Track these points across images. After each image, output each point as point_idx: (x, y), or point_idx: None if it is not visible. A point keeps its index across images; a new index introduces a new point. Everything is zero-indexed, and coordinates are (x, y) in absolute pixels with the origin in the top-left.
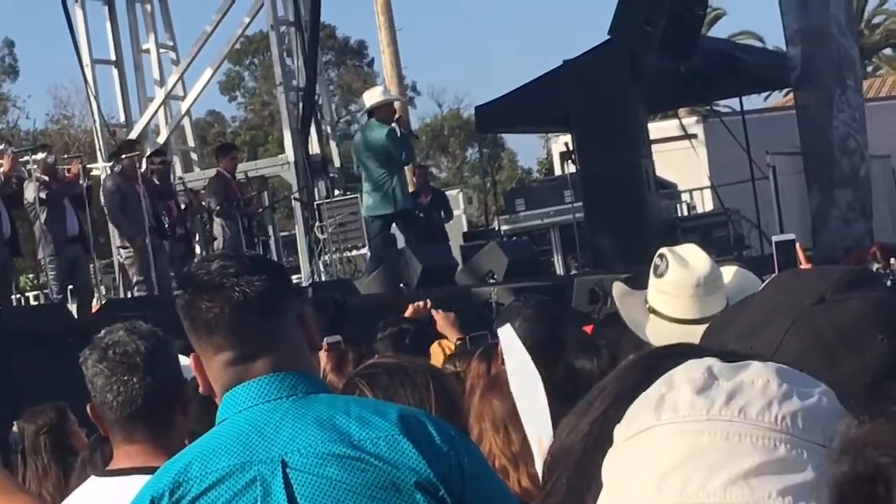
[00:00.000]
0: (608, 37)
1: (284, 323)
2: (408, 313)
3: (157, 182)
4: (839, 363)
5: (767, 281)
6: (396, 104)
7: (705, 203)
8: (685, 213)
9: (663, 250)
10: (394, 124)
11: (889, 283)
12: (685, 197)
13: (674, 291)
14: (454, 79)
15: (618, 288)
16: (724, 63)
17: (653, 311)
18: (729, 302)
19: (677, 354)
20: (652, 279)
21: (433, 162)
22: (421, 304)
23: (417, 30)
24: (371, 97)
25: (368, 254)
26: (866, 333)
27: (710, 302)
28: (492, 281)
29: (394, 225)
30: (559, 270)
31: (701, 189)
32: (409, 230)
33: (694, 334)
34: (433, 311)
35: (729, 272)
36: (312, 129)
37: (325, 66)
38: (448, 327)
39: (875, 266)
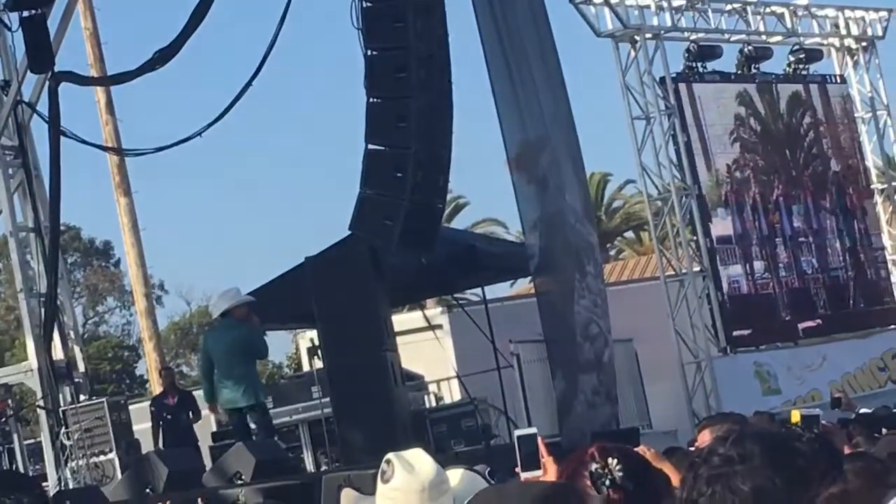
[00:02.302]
0: (349, 232)
1: None
2: None
3: None
4: None
5: (471, 498)
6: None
7: (453, 393)
8: (433, 403)
9: (390, 455)
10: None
11: (607, 483)
12: (432, 388)
13: (400, 497)
14: (202, 276)
15: (347, 496)
16: (465, 254)
17: None
18: None
19: None
20: (379, 485)
21: (183, 360)
22: None
23: (162, 229)
24: (226, 298)
25: (117, 459)
26: None
27: None
28: (239, 482)
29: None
30: (309, 467)
31: (448, 379)
32: (262, 422)
33: None
34: None
35: (456, 475)
36: (56, 334)
37: (70, 268)
38: None
39: (594, 467)
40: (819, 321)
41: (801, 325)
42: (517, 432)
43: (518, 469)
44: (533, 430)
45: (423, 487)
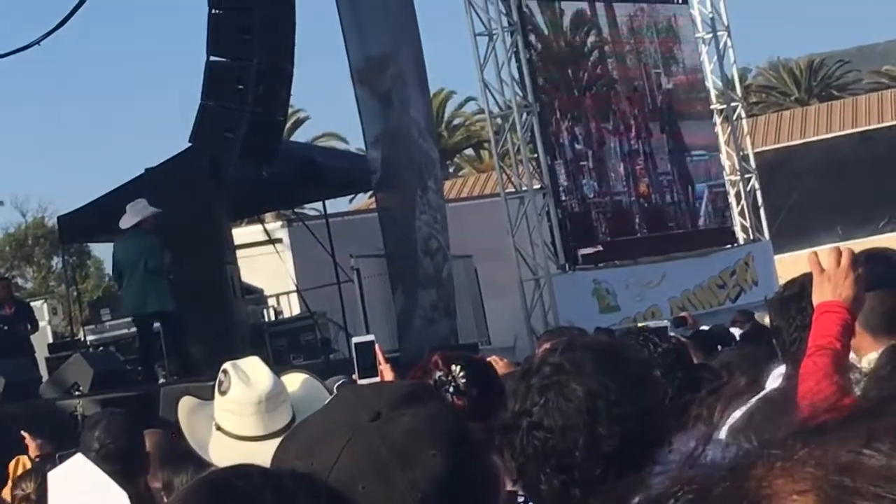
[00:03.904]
0: (190, 144)
1: None
2: None
3: None
4: (392, 480)
5: (331, 398)
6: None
7: (292, 307)
8: (272, 318)
9: (226, 365)
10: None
11: (451, 390)
12: (272, 302)
13: (237, 409)
14: (37, 187)
15: (185, 403)
16: (306, 168)
17: (219, 428)
18: (296, 411)
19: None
20: (217, 396)
21: (18, 272)
22: None
23: None
24: (136, 211)
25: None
26: (418, 449)
27: (275, 417)
28: (77, 393)
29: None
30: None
31: (287, 293)
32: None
33: (257, 451)
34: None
35: (297, 380)
36: None
37: None
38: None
39: (438, 374)
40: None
41: (640, 244)
42: (355, 339)
43: (355, 376)
44: (370, 337)
45: (260, 399)
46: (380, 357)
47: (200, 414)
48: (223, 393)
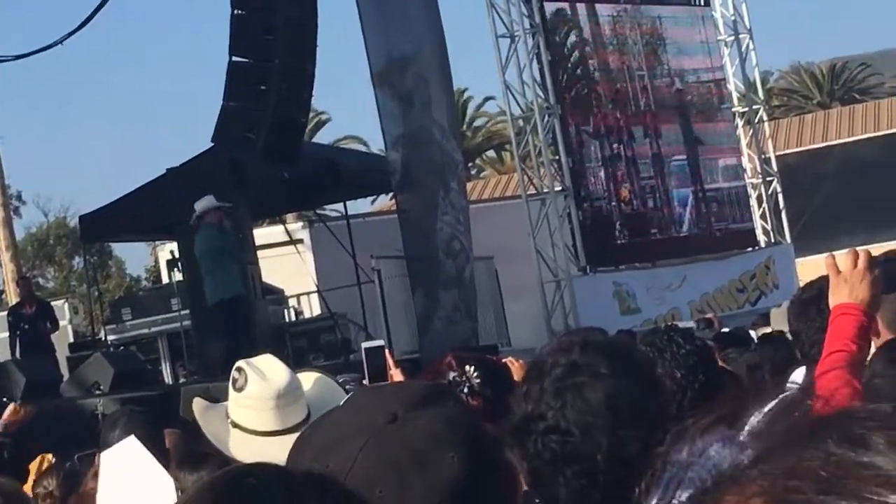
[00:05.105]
0: (212, 144)
1: None
2: (4, 418)
3: None
4: (410, 483)
5: (347, 397)
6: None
7: (313, 308)
8: (293, 318)
9: (241, 363)
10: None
11: (465, 391)
12: (292, 302)
13: (255, 405)
14: (60, 187)
15: (198, 404)
16: (328, 169)
17: (235, 425)
18: (310, 409)
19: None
20: (231, 393)
21: (39, 272)
22: (13, 406)
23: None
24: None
25: None
26: (436, 452)
27: (291, 412)
28: (97, 392)
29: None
30: (168, 379)
31: (308, 294)
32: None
33: (276, 444)
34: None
35: (309, 379)
36: None
37: None
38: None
39: (451, 375)
40: (679, 243)
41: (661, 247)
42: (364, 344)
43: (365, 381)
44: (380, 342)
45: (278, 394)
46: (390, 362)
47: (213, 414)
48: (239, 390)
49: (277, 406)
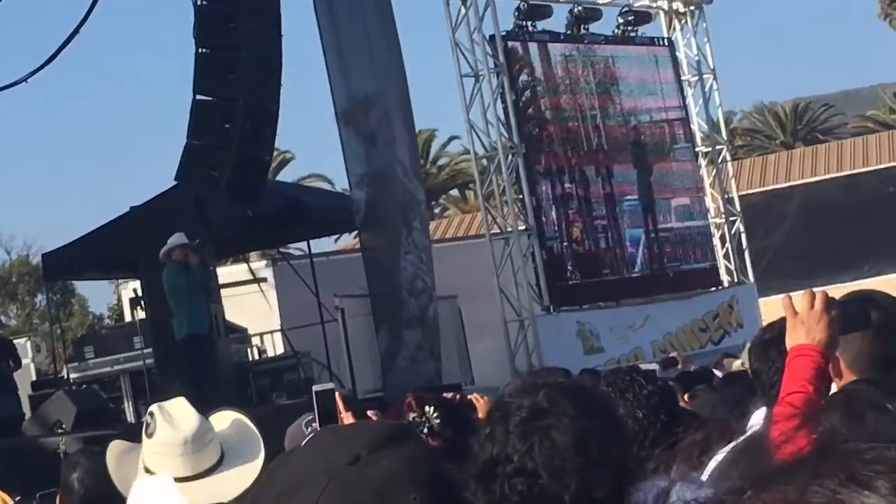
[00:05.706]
0: (175, 183)
1: None
2: None
3: None
4: None
5: (307, 439)
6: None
7: (276, 346)
8: (256, 356)
9: (153, 408)
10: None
11: (425, 431)
12: (255, 341)
13: (163, 451)
14: (22, 225)
15: (116, 446)
16: (291, 207)
17: (147, 470)
18: (224, 450)
19: None
20: (144, 439)
21: (2, 309)
22: None
23: None
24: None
25: None
26: (398, 492)
27: (200, 458)
28: (60, 431)
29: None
30: (130, 418)
31: (271, 332)
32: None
33: (185, 490)
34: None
35: (226, 419)
36: None
37: None
38: None
39: (411, 416)
40: (640, 282)
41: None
42: (315, 388)
43: (316, 425)
44: (330, 385)
45: (186, 440)
46: (340, 406)
47: (130, 456)
48: (150, 435)
49: (185, 453)
